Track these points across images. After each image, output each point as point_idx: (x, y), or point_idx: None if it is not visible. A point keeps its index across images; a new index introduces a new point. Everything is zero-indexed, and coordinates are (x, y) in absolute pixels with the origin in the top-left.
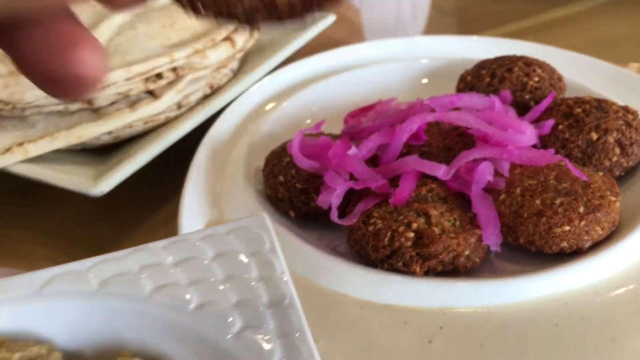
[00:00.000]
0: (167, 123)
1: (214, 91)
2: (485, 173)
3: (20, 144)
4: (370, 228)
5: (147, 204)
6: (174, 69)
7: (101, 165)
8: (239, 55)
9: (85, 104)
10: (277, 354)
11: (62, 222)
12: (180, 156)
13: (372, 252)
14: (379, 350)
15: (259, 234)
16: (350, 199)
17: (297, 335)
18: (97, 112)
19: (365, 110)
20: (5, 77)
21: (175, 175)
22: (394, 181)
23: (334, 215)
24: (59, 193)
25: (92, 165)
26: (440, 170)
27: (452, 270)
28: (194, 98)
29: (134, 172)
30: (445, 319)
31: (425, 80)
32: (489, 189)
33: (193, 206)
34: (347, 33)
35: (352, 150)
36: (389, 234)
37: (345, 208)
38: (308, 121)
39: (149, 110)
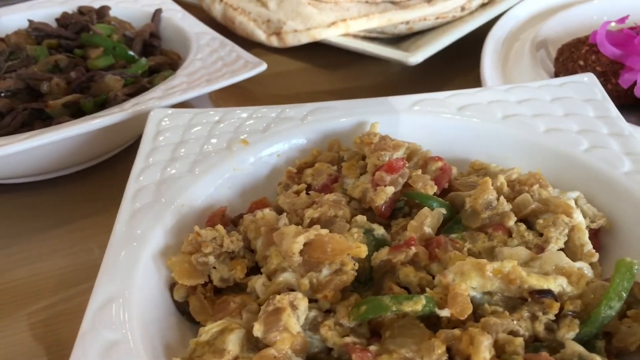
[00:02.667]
0: (453, 21)
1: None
2: None
3: (344, 20)
4: None
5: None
6: None
7: (399, 49)
8: None
9: None
10: (626, 165)
11: None
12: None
13: None
14: None
15: (591, 86)
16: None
17: None
18: (397, 4)
19: None
20: None
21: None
22: None
23: (638, 90)
24: None
25: (393, 48)
26: None
27: None
28: (475, 3)
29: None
30: None
31: None
32: None
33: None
34: None
35: None
36: None
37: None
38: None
39: (442, 7)
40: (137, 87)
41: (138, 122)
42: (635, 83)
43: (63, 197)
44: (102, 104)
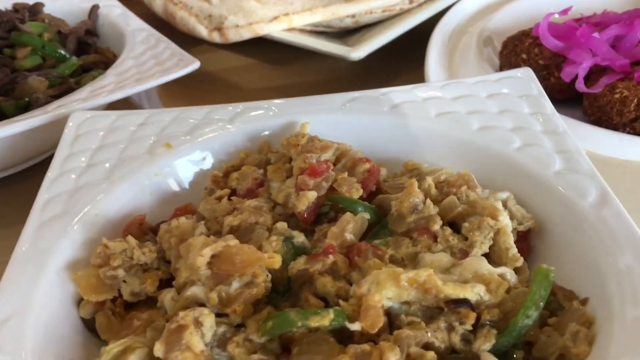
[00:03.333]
0: (400, 14)
1: None
2: None
3: (286, 15)
4: (617, 96)
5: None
6: None
7: (345, 43)
8: None
9: None
10: (557, 164)
11: None
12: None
13: (616, 116)
14: None
15: (527, 81)
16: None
17: (574, 152)
18: None
19: None
20: None
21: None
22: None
23: (580, 84)
24: None
25: (338, 42)
26: None
27: None
28: None
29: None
30: None
31: None
32: None
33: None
34: None
35: (596, 34)
36: (635, 100)
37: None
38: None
39: (388, 0)
40: (63, 89)
41: (61, 126)
42: (577, 76)
43: None
44: (26, 107)
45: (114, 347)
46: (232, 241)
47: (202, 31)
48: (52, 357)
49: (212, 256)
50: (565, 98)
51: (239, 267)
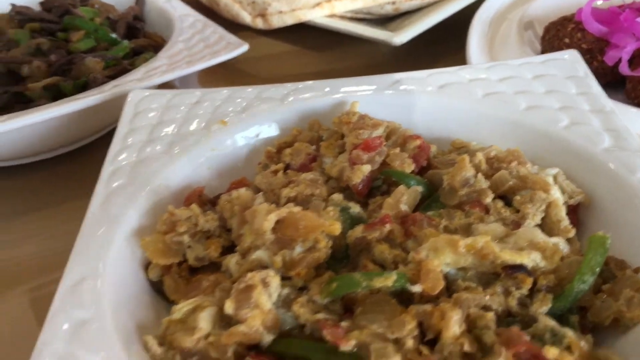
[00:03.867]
0: (440, 1)
1: None
2: None
3: (328, 1)
4: None
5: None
6: None
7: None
8: None
9: None
10: (606, 142)
11: None
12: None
13: None
14: None
15: (573, 63)
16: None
17: (622, 130)
18: None
19: None
20: None
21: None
22: None
23: (624, 67)
24: None
25: (380, 28)
26: None
27: None
28: None
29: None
30: None
31: None
32: None
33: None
34: None
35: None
36: None
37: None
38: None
39: None
40: (118, 70)
41: (118, 105)
42: (620, 60)
43: (41, 181)
44: (83, 87)
45: (184, 306)
46: (296, 208)
47: (246, 17)
48: (126, 314)
49: (277, 222)
50: (608, 82)
51: (302, 233)
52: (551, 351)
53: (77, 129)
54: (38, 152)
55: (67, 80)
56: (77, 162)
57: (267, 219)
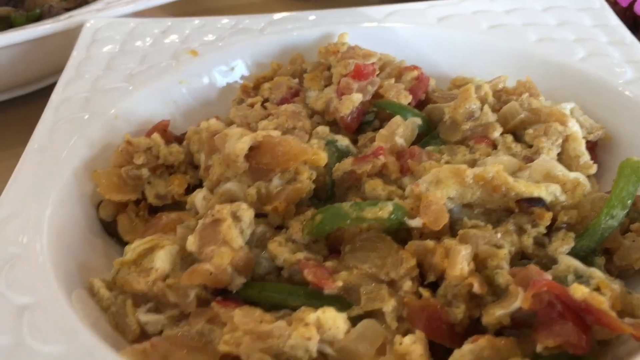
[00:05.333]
0: None
1: None
2: None
3: None
4: None
5: None
6: None
7: None
8: None
9: None
10: (629, 74)
11: None
12: None
13: None
14: None
15: None
16: None
17: None
18: None
19: None
20: None
21: None
22: None
23: (639, 7)
24: None
25: None
26: None
27: None
28: None
29: None
30: None
31: None
32: None
33: None
34: None
35: None
36: None
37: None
38: None
39: None
40: (78, 2)
41: (74, 39)
42: (634, 0)
43: None
44: (37, 19)
45: (139, 245)
46: (274, 132)
47: None
48: (69, 256)
49: (251, 149)
50: None
51: (281, 161)
52: (580, 290)
53: (29, 66)
54: None
55: (19, 11)
56: (32, 105)
57: (241, 141)
